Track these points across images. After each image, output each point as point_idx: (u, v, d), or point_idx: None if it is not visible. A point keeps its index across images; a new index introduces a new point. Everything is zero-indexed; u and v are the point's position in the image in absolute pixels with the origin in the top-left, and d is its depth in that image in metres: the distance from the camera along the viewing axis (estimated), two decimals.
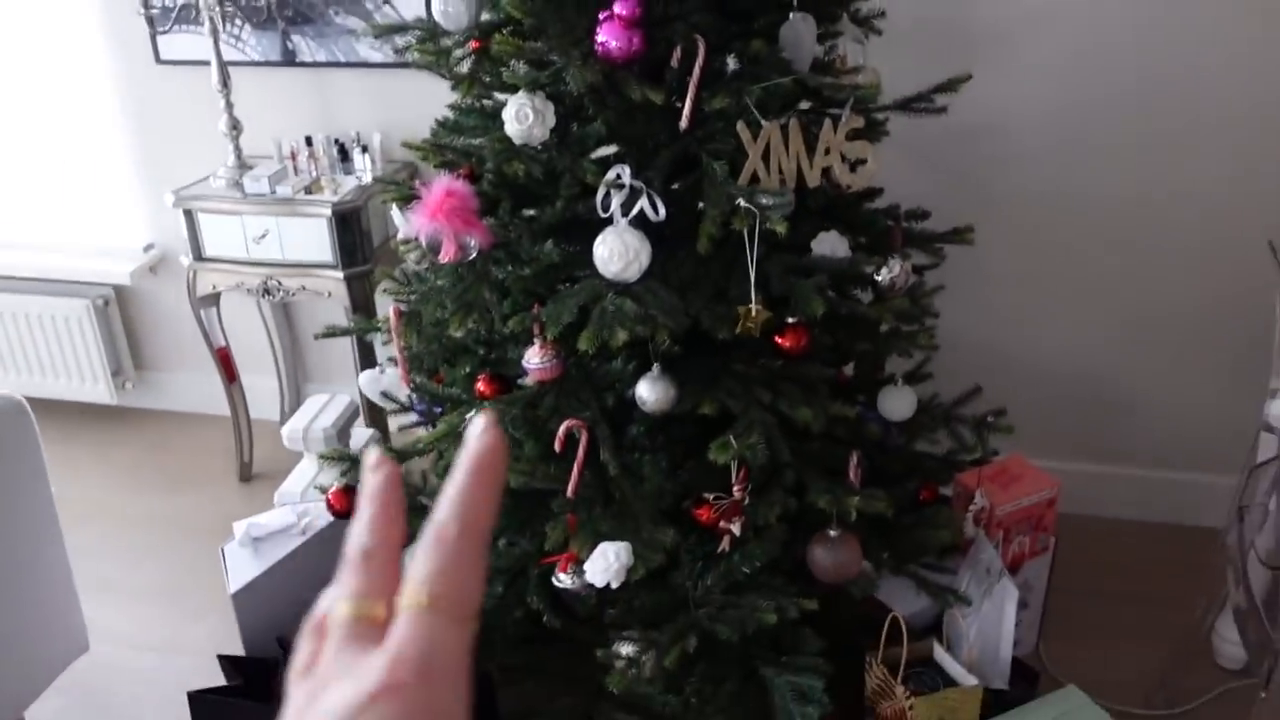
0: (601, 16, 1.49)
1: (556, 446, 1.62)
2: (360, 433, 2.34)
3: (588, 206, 1.66)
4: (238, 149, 2.68)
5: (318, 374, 3.17)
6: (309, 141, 2.74)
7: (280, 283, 2.62)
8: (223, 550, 1.93)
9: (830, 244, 1.70)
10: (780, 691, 1.69)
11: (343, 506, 1.88)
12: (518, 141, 1.63)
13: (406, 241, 1.82)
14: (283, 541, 1.91)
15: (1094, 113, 2.29)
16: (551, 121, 1.61)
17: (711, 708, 1.69)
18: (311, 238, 2.56)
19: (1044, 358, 2.53)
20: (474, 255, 1.68)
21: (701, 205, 1.53)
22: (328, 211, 2.51)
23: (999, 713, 1.73)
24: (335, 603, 0.39)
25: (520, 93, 1.60)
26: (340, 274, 2.57)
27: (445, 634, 0.36)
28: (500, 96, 1.70)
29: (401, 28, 1.79)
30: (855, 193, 1.82)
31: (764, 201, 1.51)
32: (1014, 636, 1.89)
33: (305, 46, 2.75)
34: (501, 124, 1.62)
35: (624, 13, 1.44)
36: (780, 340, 1.60)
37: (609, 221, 1.59)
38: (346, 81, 2.78)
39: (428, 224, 1.66)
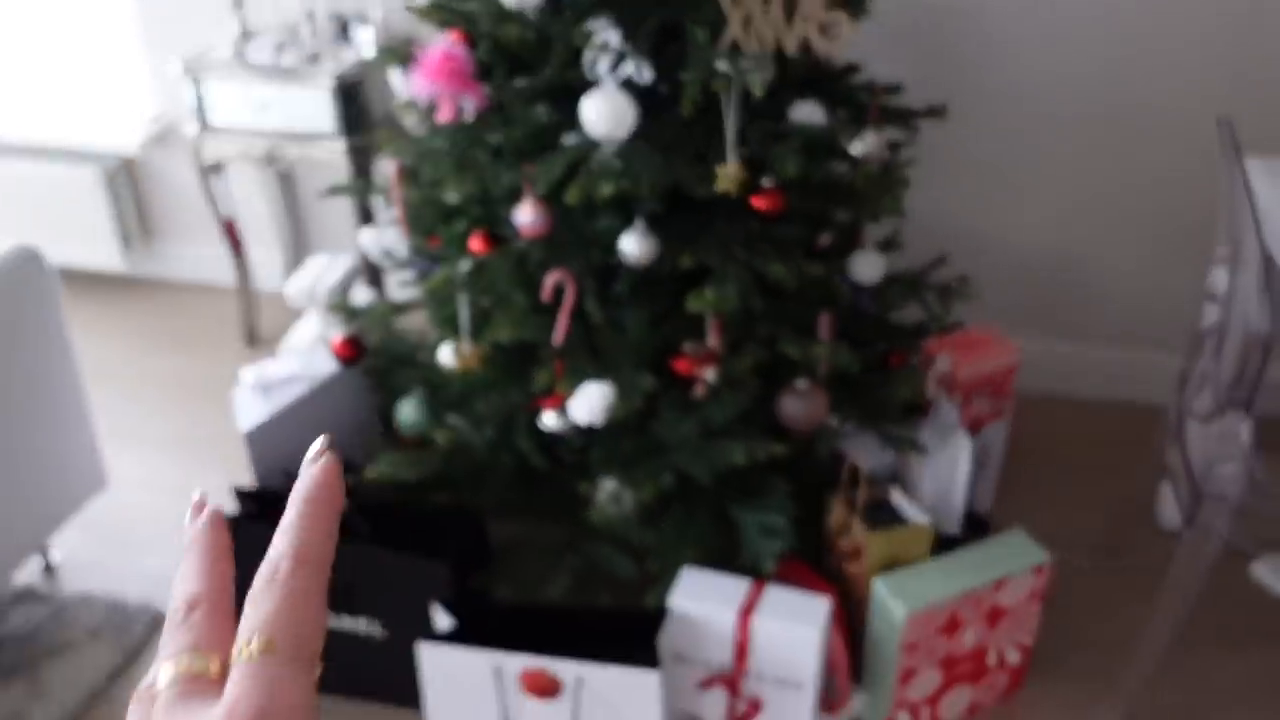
0: None
1: (544, 297, 1.74)
2: (362, 292, 2.46)
3: (578, 73, 1.75)
4: (242, 20, 2.74)
5: (319, 244, 3.27)
6: (310, 16, 2.80)
7: (284, 152, 2.71)
8: (234, 397, 2.07)
9: (807, 112, 1.79)
10: (748, 527, 1.85)
11: (347, 354, 2.01)
12: (512, 7, 1.71)
13: (406, 103, 1.92)
14: (289, 389, 2.04)
15: (1062, 5, 2.36)
16: None
17: (684, 542, 1.85)
18: (315, 108, 2.64)
19: (1008, 236, 2.64)
20: (470, 117, 1.78)
21: (693, 72, 1.62)
22: (331, 82, 2.59)
23: None
24: (160, 665, 0.36)
25: None
26: (343, 144, 2.66)
27: (285, 681, 0.33)
28: None
29: None
30: (835, 68, 1.91)
31: (743, 65, 1.61)
32: (970, 494, 2.04)
33: None
34: None
35: None
36: (757, 201, 1.71)
37: (576, 82, 1.68)
38: None
39: (426, 85, 1.76)
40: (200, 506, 0.41)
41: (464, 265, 1.76)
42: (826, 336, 1.84)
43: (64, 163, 3.13)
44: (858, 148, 1.87)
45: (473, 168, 1.78)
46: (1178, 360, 2.10)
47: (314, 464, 0.39)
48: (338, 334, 1.99)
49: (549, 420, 1.80)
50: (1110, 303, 2.67)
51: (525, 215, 1.74)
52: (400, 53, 1.85)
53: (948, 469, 1.94)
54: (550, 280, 1.72)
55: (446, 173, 1.79)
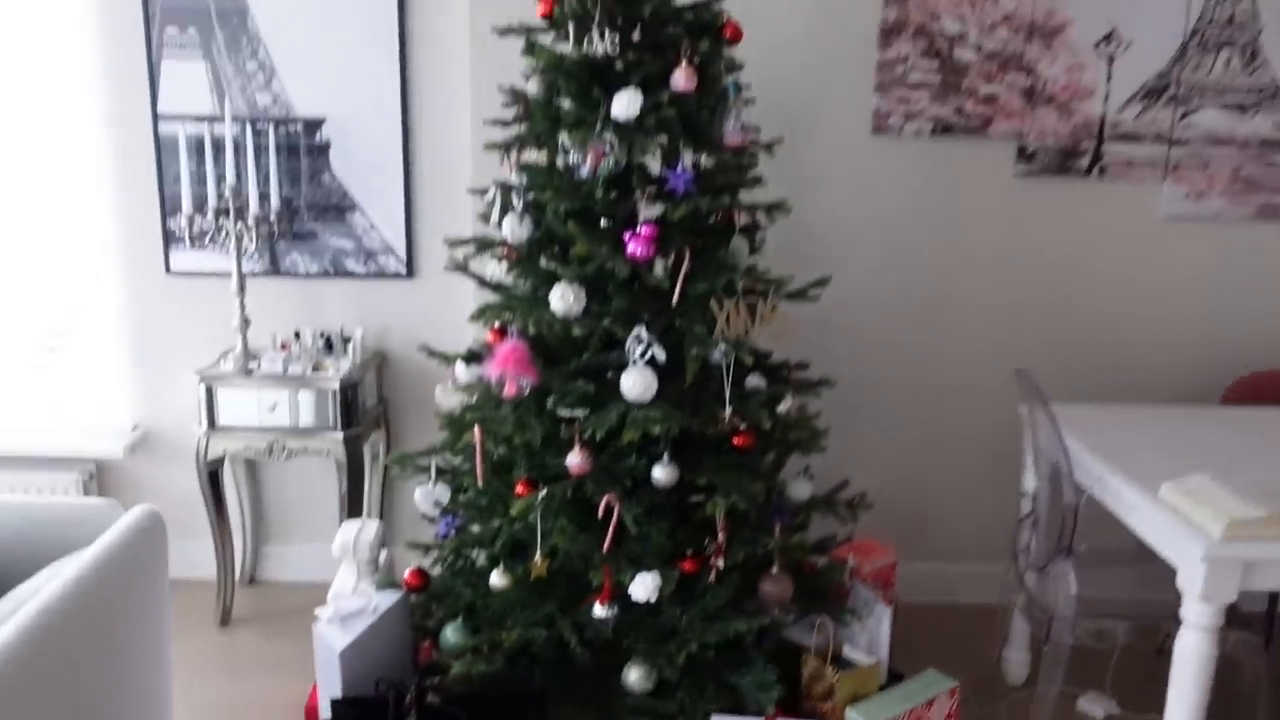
0: (628, 237, 2.39)
1: (599, 513, 2.38)
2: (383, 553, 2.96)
3: (600, 358, 2.50)
4: (245, 340, 3.33)
5: (276, 535, 3.70)
6: (297, 335, 3.44)
7: (285, 445, 3.24)
8: (315, 625, 2.50)
9: (755, 382, 2.61)
10: (746, 687, 2.45)
11: (416, 583, 2.53)
12: (560, 314, 2.47)
13: (466, 386, 2.60)
14: (360, 618, 2.51)
15: (897, 313, 3.40)
16: (583, 301, 2.47)
17: (703, 701, 2.42)
18: (316, 407, 3.22)
19: (872, 468, 3.52)
20: (527, 391, 2.48)
21: (692, 351, 2.41)
22: (335, 384, 3.20)
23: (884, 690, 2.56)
24: None
25: (563, 283, 2.45)
26: (340, 435, 3.23)
27: None
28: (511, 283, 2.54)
29: (465, 241, 2.62)
30: (767, 353, 2.76)
31: (723, 349, 2.42)
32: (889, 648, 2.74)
33: (299, 260, 3.49)
34: (544, 301, 2.46)
35: (647, 233, 2.35)
36: (737, 439, 2.47)
37: (608, 366, 2.44)
38: (331, 289, 3.52)
39: (496, 370, 2.46)
40: None
41: (536, 498, 2.39)
42: (780, 534, 2.57)
43: (44, 469, 3.47)
44: (782, 406, 2.69)
45: (529, 427, 2.46)
46: (998, 568, 2.97)
47: None
48: (410, 568, 2.52)
49: (600, 611, 2.39)
50: (944, 525, 3.56)
51: (575, 458, 2.42)
52: (469, 354, 2.54)
53: (874, 630, 2.65)
54: (603, 502, 2.38)
55: (510, 431, 2.45)
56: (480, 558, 2.69)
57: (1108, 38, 3.20)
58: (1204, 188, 3.30)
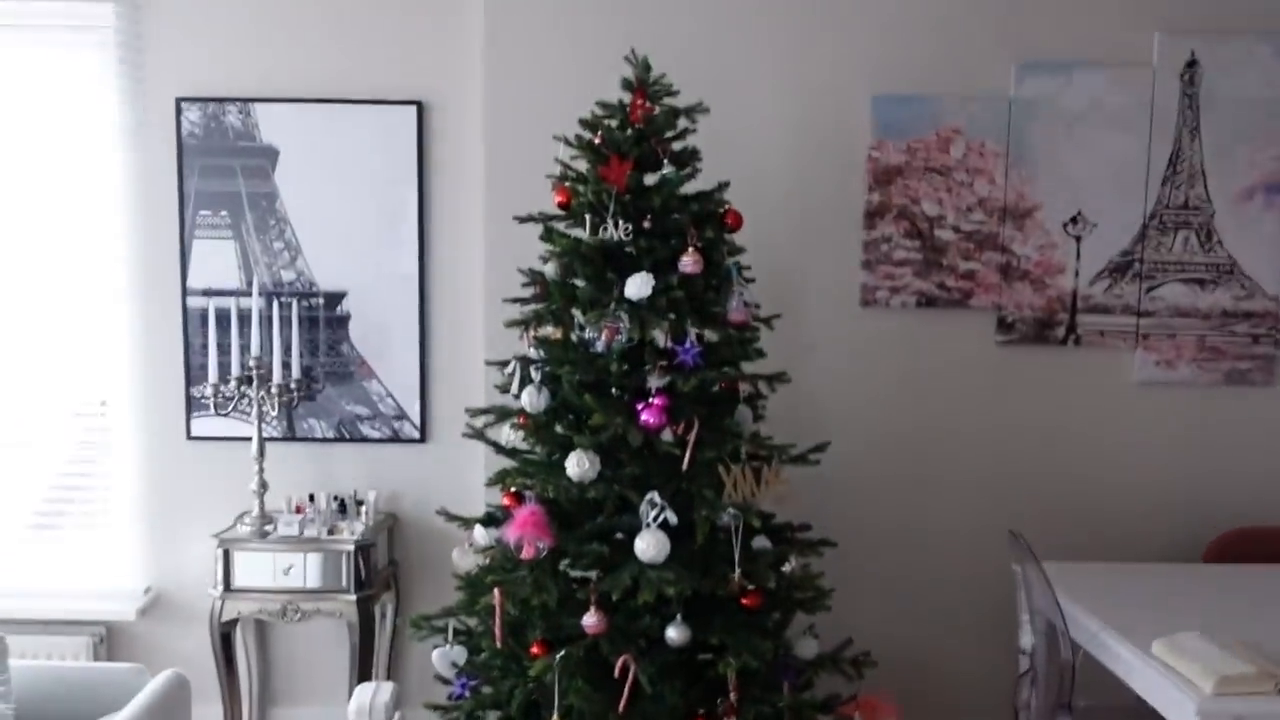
0: (640, 407, 2.55)
1: (616, 673, 2.46)
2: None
3: (610, 522, 2.63)
4: (262, 503, 3.44)
5: (283, 697, 3.72)
6: (311, 498, 3.55)
7: (299, 606, 3.31)
8: None
9: (761, 542, 2.74)
10: None
11: None
12: (575, 479, 2.60)
13: (485, 549, 2.71)
14: None
15: (892, 474, 3.55)
16: (598, 466, 2.61)
17: None
18: (330, 569, 3.31)
19: (873, 624, 3.60)
20: (544, 554, 2.59)
21: (702, 514, 2.54)
22: (350, 546, 3.30)
23: None
24: None
25: (578, 450, 2.60)
26: (354, 596, 3.30)
27: None
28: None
29: (485, 410, 2.78)
30: (771, 514, 2.90)
31: (732, 512, 2.56)
32: None
33: (315, 425, 3.63)
34: (560, 467, 2.60)
35: (659, 403, 2.52)
36: (746, 600, 2.58)
37: (620, 528, 2.57)
38: (345, 453, 3.65)
39: (515, 534, 2.58)
40: None
41: (554, 659, 2.47)
42: (789, 693, 2.64)
43: (54, 633, 3.52)
44: (787, 566, 2.81)
45: (546, 589, 2.56)
46: None
47: None
48: None
49: None
50: (941, 676, 3.62)
51: (591, 618, 2.51)
52: (487, 517, 2.67)
53: None
54: (619, 661, 2.46)
55: (528, 592, 2.55)
56: (494, 719, 2.74)
57: (1075, 219, 3.48)
58: (1173, 355, 3.52)
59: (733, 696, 2.50)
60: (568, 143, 2.78)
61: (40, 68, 3.57)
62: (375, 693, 2.92)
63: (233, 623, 3.36)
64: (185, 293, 3.60)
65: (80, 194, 3.59)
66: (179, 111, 3.56)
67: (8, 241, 3.62)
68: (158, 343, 3.61)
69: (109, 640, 3.62)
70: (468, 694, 2.77)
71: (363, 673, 3.33)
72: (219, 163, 3.57)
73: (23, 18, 3.57)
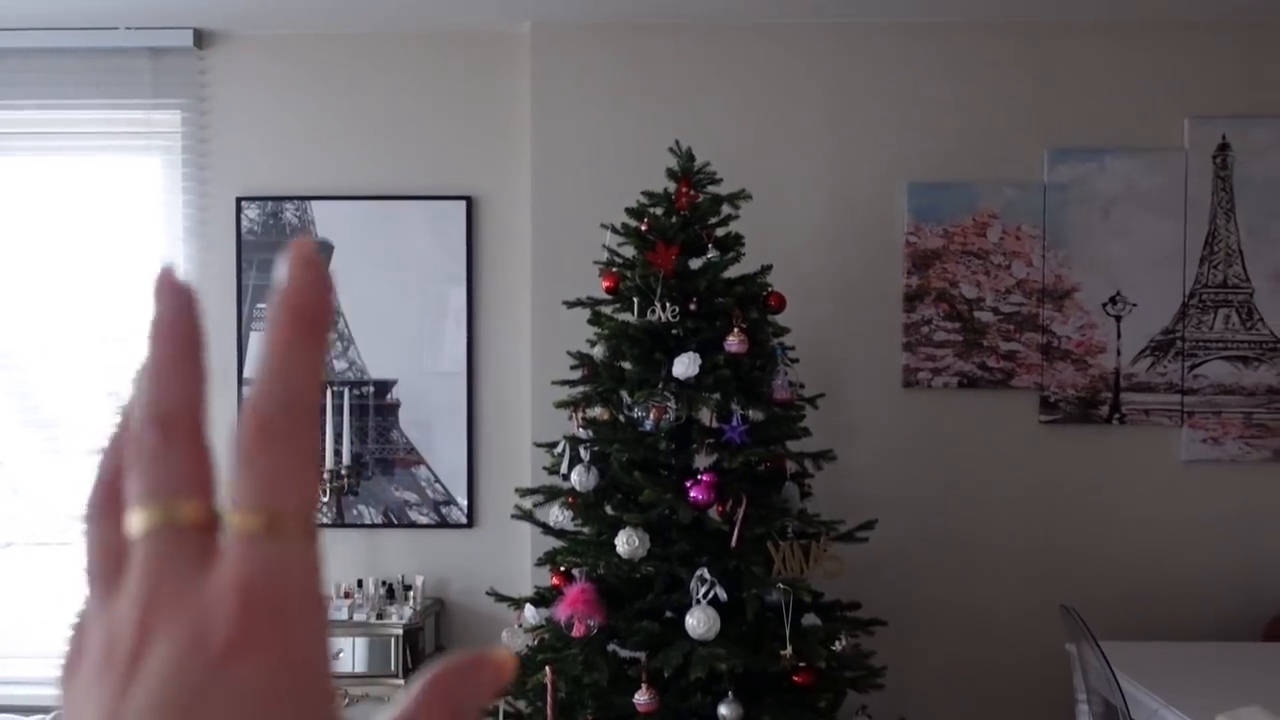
0: (689, 484, 2.59)
1: None
2: None
3: (661, 599, 2.64)
4: None
5: None
6: (360, 583, 3.59)
7: (346, 692, 3.31)
8: None
9: (810, 619, 2.74)
10: None
11: None
12: (625, 557, 2.63)
13: (534, 628, 2.72)
14: None
15: (939, 552, 3.54)
16: (647, 544, 2.64)
17: None
18: (379, 653, 3.32)
19: (926, 704, 3.55)
20: (595, 631, 2.61)
21: (751, 590, 2.55)
22: (399, 631, 3.32)
23: None
24: (131, 506, 0.27)
25: (628, 528, 2.63)
26: (403, 681, 3.31)
27: (296, 561, 0.27)
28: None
29: (535, 490, 2.82)
30: (819, 592, 2.90)
31: (781, 588, 2.56)
32: None
33: (364, 511, 3.69)
34: (609, 545, 2.63)
35: (708, 480, 2.56)
36: (798, 677, 2.57)
37: (669, 606, 2.58)
38: (393, 538, 3.70)
39: (565, 612, 2.60)
40: (170, 284, 0.29)
41: None
42: None
43: None
44: (838, 645, 2.79)
45: (597, 667, 2.57)
46: None
47: (298, 265, 0.29)
48: None
49: None
50: None
51: (642, 696, 2.51)
52: (537, 597, 2.69)
53: None
54: None
55: (579, 671, 2.56)
56: None
57: (1114, 299, 3.51)
58: (1219, 433, 3.51)
59: None
60: (615, 230, 2.88)
61: (111, 169, 3.76)
62: None
63: None
64: (241, 383, 3.70)
65: (145, 289, 3.73)
66: (239, 210, 3.72)
67: (75, 336, 3.76)
68: (215, 433, 3.69)
69: None
70: None
71: None
72: (276, 258, 3.70)
73: (97, 125, 3.78)
